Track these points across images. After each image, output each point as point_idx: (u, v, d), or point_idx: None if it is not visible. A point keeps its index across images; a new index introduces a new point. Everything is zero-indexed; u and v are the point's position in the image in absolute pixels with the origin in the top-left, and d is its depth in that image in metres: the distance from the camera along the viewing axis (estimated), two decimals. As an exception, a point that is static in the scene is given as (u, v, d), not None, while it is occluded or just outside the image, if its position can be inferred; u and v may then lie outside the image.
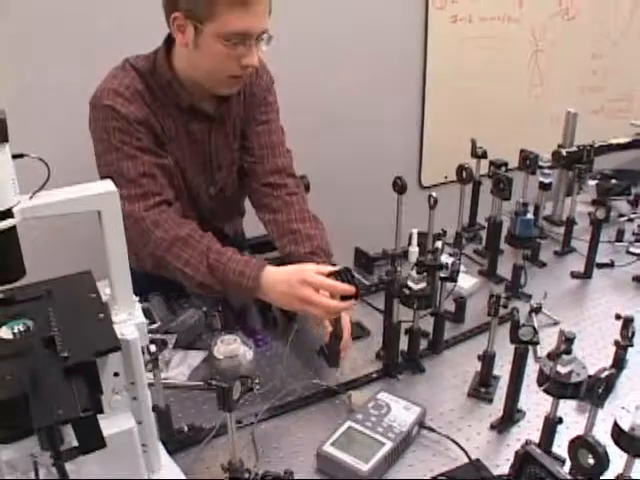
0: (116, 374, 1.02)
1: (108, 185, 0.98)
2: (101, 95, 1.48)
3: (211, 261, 1.42)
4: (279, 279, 1.39)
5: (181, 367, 1.48)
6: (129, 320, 1.03)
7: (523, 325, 1.24)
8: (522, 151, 2.02)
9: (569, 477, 0.84)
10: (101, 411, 0.98)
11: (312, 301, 1.33)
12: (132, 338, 1.00)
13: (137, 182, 1.46)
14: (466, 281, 1.84)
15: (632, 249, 2.04)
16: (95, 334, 0.96)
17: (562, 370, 1.15)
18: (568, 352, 1.15)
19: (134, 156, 1.45)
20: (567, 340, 1.15)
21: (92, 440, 0.90)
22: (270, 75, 1.73)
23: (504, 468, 1.24)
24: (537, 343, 1.26)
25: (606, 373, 1.11)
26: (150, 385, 1.11)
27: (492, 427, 1.36)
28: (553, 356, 1.15)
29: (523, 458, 0.88)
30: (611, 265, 2.01)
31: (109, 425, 1.03)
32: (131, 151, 1.45)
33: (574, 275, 1.97)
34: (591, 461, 0.98)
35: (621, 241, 2.14)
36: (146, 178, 1.47)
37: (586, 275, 1.96)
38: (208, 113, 1.61)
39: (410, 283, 1.43)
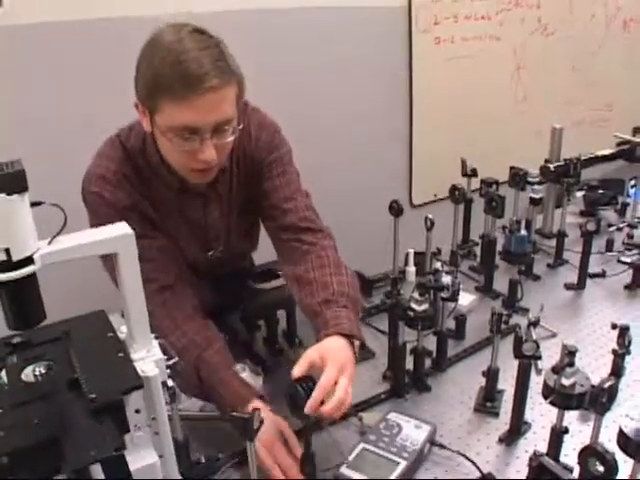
0: (137, 411, 1.05)
1: (123, 227, 1.02)
2: (89, 180, 1.43)
3: (202, 377, 1.38)
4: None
5: (192, 399, 1.51)
6: (148, 357, 1.07)
7: (526, 340, 1.28)
8: (512, 168, 2.08)
9: (582, 486, 0.88)
10: (124, 447, 1.01)
11: (271, 471, 1.27)
12: (153, 375, 1.03)
13: None
14: (464, 298, 1.88)
15: (623, 258, 2.09)
16: (117, 373, 0.99)
17: (566, 382, 1.19)
18: (571, 365, 1.20)
19: None
20: (570, 353, 1.19)
21: (120, 476, 0.93)
22: (271, 128, 1.57)
23: (515, 481, 1.28)
24: (539, 357, 1.30)
25: (609, 383, 1.15)
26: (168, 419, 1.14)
27: (500, 440, 1.40)
28: (557, 369, 1.19)
29: (537, 470, 0.92)
30: (603, 275, 2.06)
31: (133, 461, 1.06)
32: None
33: (568, 287, 2.02)
34: (600, 469, 1.02)
35: (611, 251, 2.19)
36: (142, 264, 1.41)
37: (579, 286, 2.01)
38: (201, 190, 1.52)
39: (413, 305, 1.47)
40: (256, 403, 1.34)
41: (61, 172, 1.93)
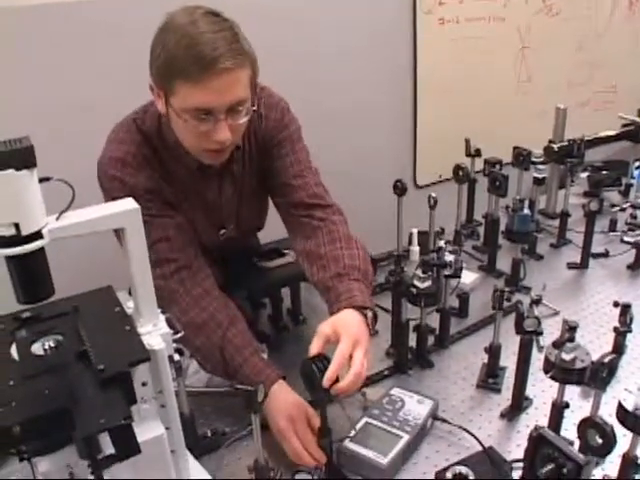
0: (144, 384, 1.07)
1: (130, 203, 1.03)
2: (108, 163, 1.42)
3: (227, 357, 1.38)
4: (283, 402, 1.33)
5: (199, 374, 1.53)
6: (154, 331, 1.08)
7: (527, 317, 1.30)
8: (515, 148, 2.08)
9: (581, 455, 0.89)
10: (132, 419, 1.03)
11: (289, 438, 1.28)
12: (159, 348, 1.05)
13: (151, 249, 1.30)
14: (467, 277, 1.90)
15: (626, 238, 2.09)
16: (124, 346, 1.01)
17: (566, 357, 1.21)
18: (571, 340, 1.21)
19: (146, 222, 1.27)
20: (570, 329, 1.20)
21: (129, 447, 0.95)
22: (279, 107, 1.58)
23: (516, 453, 1.30)
24: (541, 333, 1.31)
25: (609, 358, 1.16)
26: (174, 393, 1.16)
27: (502, 416, 1.42)
28: (558, 344, 1.20)
29: (537, 441, 0.94)
30: (606, 255, 2.07)
31: (140, 433, 1.07)
32: (144, 218, 1.27)
33: (571, 266, 2.03)
34: (599, 440, 1.03)
35: (614, 231, 2.20)
36: (161, 244, 1.42)
37: (582, 265, 2.02)
38: (216, 171, 1.53)
39: (416, 282, 1.48)
40: (281, 384, 1.36)
41: (65, 151, 1.96)
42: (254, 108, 1.41)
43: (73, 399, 0.93)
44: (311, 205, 1.55)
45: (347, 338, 1.25)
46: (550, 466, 0.91)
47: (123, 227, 1.03)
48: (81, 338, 1.03)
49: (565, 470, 0.89)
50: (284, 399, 1.33)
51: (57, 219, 0.99)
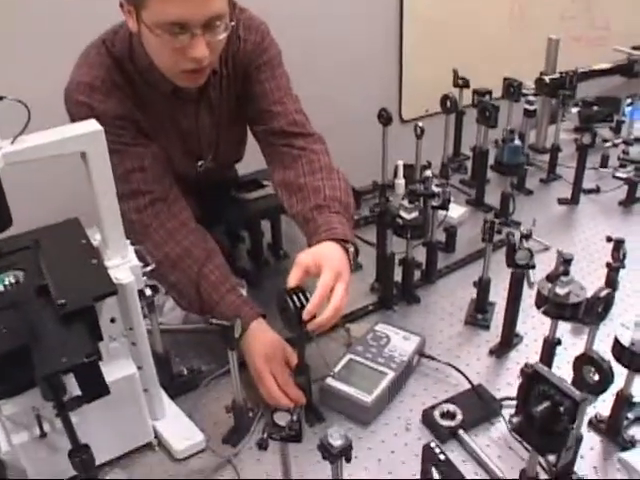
0: (112, 320, 1.00)
1: (92, 125, 0.94)
2: (76, 89, 1.32)
3: (203, 293, 1.31)
4: (261, 341, 1.26)
5: (175, 312, 1.47)
6: (123, 264, 1.01)
7: (519, 249, 1.24)
8: (506, 79, 2.00)
9: (578, 392, 0.84)
10: (100, 358, 0.97)
11: (264, 380, 1.22)
12: (128, 282, 0.98)
13: (125, 179, 1.32)
14: (455, 210, 1.83)
15: (618, 174, 2.02)
16: (89, 280, 0.94)
17: (560, 291, 1.15)
18: (566, 273, 1.15)
19: (118, 151, 1.30)
20: (565, 261, 1.14)
21: (95, 387, 0.89)
22: (259, 30, 1.48)
23: (505, 391, 1.25)
24: (533, 267, 1.25)
25: (605, 292, 1.11)
26: (147, 331, 1.09)
27: (491, 352, 1.37)
28: (552, 278, 1.14)
29: (531, 377, 0.88)
30: (597, 191, 2.01)
31: (109, 372, 1.02)
32: (116, 146, 1.28)
33: (561, 201, 1.97)
34: (596, 377, 0.98)
35: (605, 167, 2.13)
36: (134, 174, 1.34)
37: (573, 201, 1.96)
38: (193, 96, 1.43)
39: (402, 213, 1.41)
40: (259, 322, 1.30)
41: (24, 70, 1.84)
42: (232, 23, 1.30)
43: (33, 337, 0.86)
44: (291, 133, 1.46)
45: (329, 270, 1.18)
46: (545, 404, 0.86)
47: (84, 151, 0.94)
48: (42, 272, 0.96)
49: (562, 408, 0.84)
50: (261, 338, 1.27)
51: (12, 143, 0.91)
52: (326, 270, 1.17)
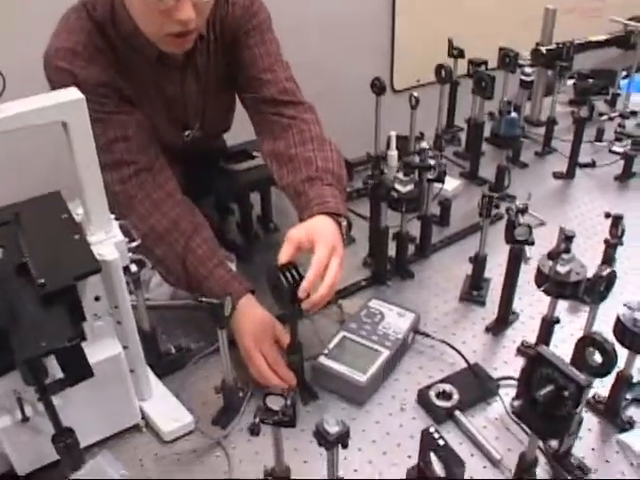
0: (97, 298, 0.96)
1: (73, 93, 0.89)
2: (56, 55, 1.25)
3: (189, 268, 1.26)
4: (250, 318, 1.22)
5: (162, 287, 1.42)
6: (107, 240, 0.96)
7: (519, 225, 1.20)
8: (501, 49, 1.94)
9: (582, 376, 0.81)
10: (84, 338, 0.92)
11: (253, 359, 1.18)
12: (112, 258, 0.93)
13: (108, 149, 1.26)
14: (449, 183, 1.78)
15: (614, 148, 1.98)
16: (71, 257, 0.89)
17: (561, 269, 1.12)
18: (567, 251, 1.11)
19: (101, 119, 1.24)
20: (567, 238, 1.10)
21: (79, 370, 0.85)
22: None
23: (502, 370, 1.23)
24: (532, 243, 1.21)
25: (607, 271, 1.07)
26: (133, 308, 1.05)
27: (487, 330, 1.33)
28: (553, 255, 1.11)
29: (534, 359, 0.85)
30: (593, 165, 1.96)
31: (94, 352, 0.98)
32: (98, 115, 1.22)
33: (556, 175, 1.92)
34: (598, 359, 0.95)
35: (601, 141, 2.09)
36: (118, 144, 1.28)
37: (568, 176, 1.91)
38: (178, 63, 1.37)
39: (397, 186, 1.36)
40: (249, 298, 1.25)
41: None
42: None
43: (12, 318, 0.81)
44: (281, 102, 1.41)
45: (323, 246, 1.13)
46: (549, 387, 0.83)
47: (65, 120, 0.88)
48: (22, 250, 0.90)
49: (566, 393, 0.81)
50: (250, 315, 1.22)
51: (-14, 111, 0.85)
52: (320, 246, 1.13)
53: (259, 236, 1.65)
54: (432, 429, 0.84)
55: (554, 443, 1.00)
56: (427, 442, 0.84)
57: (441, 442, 0.82)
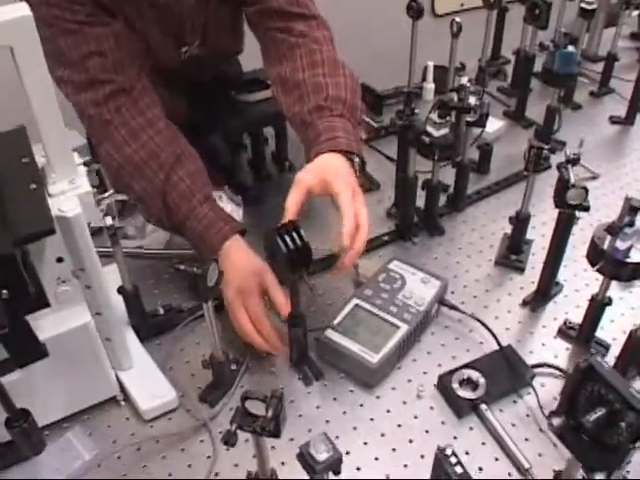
0: (60, 260, 0.80)
1: (21, 8, 0.70)
2: None
3: (171, 205, 1.09)
4: (234, 264, 1.05)
5: (157, 233, 1.26)
6: (70, 190, 0.79)
7: (573, 186, 1.00)
8: (561, -29, 1.69)
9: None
10: (46, 305, 0.77)
11: (234, 312, 1.02)
12: (73, 215, 0.76)
13: (81, 65, 1.07)
14: (491, 124, 1.56)
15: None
16: (21, 213, 0.72)
17: (621, 246, 0.92)
18: (631, 224, 0.92)
19: (73, 31, 1.05)
20: (633, 209, 0.91)
21: (27, 350, 0.70)
22: None
23: (539, 355, 1.06)
24: (587, 209, 1.02)
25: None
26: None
27: (524, 303, 1.15)
28: (615, 229, 0.91)
29: (584, 373, 0.68)
30: (657, 109, 1.74)
31: (58, 322, 0.84)
32: (69, 25, 1.05)
33: (614, 120, 1.71)
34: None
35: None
36: (92, 59, 1.08)
37: (628, 121, 1.70)
38: None
39: (430, 129, 1.17)
40: (236, 239, 1.08)
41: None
42: None
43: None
44: (290, 14, 1.20)
45: (346, 188, 0.97)
46: (600, 412, 0.66)
47: (11, 45, 0.70)
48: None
49: (623, 424, 0.64)
50: (235, 261, 1.05)
51: None
52: (342, 187, 0.97)
53: (271, 176, 1.47)
54: (449, 450, 0.67)
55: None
56: (441, 466, 0.68)
57: (458, 470, 0.66)
